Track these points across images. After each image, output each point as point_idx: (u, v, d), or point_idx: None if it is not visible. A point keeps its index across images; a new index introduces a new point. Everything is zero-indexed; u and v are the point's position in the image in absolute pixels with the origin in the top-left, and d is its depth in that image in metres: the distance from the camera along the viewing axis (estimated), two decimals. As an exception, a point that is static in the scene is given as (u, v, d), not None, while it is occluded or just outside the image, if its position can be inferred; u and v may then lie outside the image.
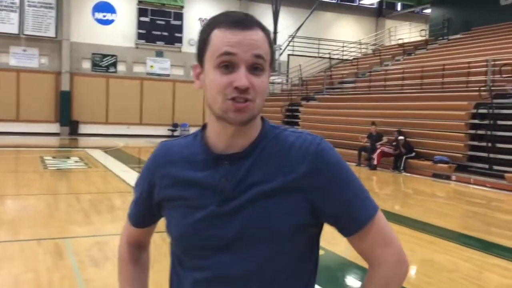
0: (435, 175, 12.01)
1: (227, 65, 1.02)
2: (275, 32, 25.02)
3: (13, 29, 22.06)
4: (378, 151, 13.44)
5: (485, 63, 13.68)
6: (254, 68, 1.03)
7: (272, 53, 1.09)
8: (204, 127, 1.16)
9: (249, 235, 1.05)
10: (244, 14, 1.06)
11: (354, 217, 1.07)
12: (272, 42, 1.09)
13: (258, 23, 1.06)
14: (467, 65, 14.47)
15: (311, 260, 1.15)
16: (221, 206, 1.06)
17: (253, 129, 1.09)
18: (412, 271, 4.81)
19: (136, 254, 1.33)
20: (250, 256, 1.05)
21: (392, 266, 1.09)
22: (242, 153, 1.08)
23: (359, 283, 4.38)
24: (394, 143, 13.30)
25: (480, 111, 12.09)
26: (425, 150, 12.90)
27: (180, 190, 1.12)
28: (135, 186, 1.26)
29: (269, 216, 1.05)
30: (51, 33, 22.63)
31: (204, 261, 1.08)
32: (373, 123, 14.15)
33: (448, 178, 11.75)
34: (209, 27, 1.06)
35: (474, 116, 12.25)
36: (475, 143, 11.95)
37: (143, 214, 1.25)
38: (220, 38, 1.03)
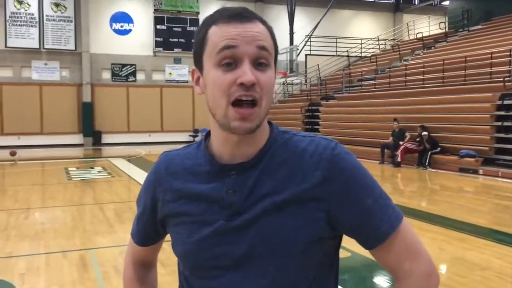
0: (462, 170, 11.74)
1: (229, 61, 0.92)
2: (291, 32, 24.94)
3: (34, 43, 22.49)
4: (402, 147, 13.23)
5: (508, 53, 13.35)
6: (259, 63, 0.94)
7: (276, 49, 1.00)
8: (207, 135, 1.07)
9: (261, 250, 0.96)
10: (242, 8, 0.97)
11: (375, 227, 0.97)
12: (275, 37, 1.00)
13: (258, 17, 0.97)
14: (489, 55, 14.12)
15: (330, 274, 1.05)
16: (231, 220, 0.97)
17: (260, 136, 1.00)
18: (443, 270, 4.67)
19: (142, 273, 1.24)
20: (263, 273, 0.97)
21: (421, 278, 0.98)
22: (250, 162, 0.99)
23: (386, 286, 4.26)
24: (417, 139, 13.08)
25: (506, 102, 11.78)
26: (450, 145, 12.64)
27: (184, 205, 1.03)
28: (137, 202, 1.17)
29: (283, 229, 0.96)
30: (71, 45, 23.00)
31: (212, 281, 1.00)
32: (395, 120, 13.95)
33: (475, 172, 11.48)
34: (205, 25, 0.98)
35: (499, 107, 11.94)
36: (502, 135, 11.65)
37: (147, 232, 1.17)
38: (218, 33, 0.94)
